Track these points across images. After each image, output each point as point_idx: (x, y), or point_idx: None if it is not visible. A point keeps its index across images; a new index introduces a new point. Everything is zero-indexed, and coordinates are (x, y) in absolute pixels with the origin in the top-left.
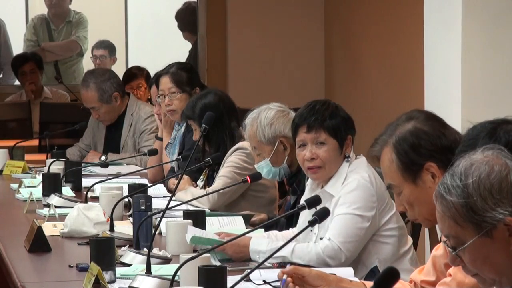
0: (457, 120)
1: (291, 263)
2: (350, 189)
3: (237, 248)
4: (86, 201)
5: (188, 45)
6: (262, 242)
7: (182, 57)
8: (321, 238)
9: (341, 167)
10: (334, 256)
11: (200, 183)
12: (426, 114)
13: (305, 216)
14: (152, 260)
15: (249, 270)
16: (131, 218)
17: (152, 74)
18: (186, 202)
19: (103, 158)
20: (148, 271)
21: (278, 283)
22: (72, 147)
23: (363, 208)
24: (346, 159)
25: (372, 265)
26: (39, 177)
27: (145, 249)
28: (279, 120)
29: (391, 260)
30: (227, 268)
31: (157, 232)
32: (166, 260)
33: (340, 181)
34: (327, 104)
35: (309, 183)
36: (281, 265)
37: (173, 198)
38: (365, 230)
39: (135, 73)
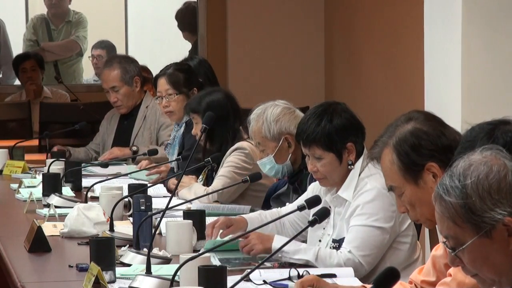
0: (457, 120)
1: (290, 264)
2: (370, 199)
3: (263, 236)
4: (86, 201)
5: (188, 45)
6: (284, 241)
7: (182, 57)
8: (333, 241)
9: (353, 171)
10: (355, 270)
11: (199, 182)
12: (425, 114)
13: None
14: (152, 260)
15: (249, 270)
16: (131, 218)
17: (153, 74)
18: (185, 202)
19: (134, 148)
20: (148, 271)
21: (278, 283)
22: (80, 148)
23: (383, 219)
24: (349, 166)
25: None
26: (39, 177)
27: (145, 249)
28: (285, 117)
29: (401, 266)
30: (227, 268)
31: (157, 232)
32: (166, 260)
33: (352, 185)
34: (323, 114)
35: (323, 187)
36: (282, 265)
37: (177, 195)
38: (385, 241)
39: (144, 77)
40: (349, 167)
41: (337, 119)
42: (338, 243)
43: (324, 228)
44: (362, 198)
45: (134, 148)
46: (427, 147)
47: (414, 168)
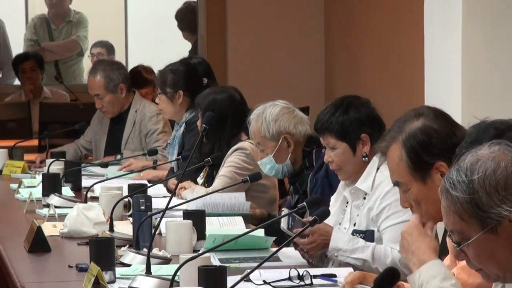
0: (458, 119)
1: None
2: (397, 197)
3: (323, 232)
4: (86, 201)
5: (188, 45)
6: (342, 237)
7: (182, 57)
8: (356, 232)
9: (370, 164)
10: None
11: (200, 180)
12: (435, 112)
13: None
14: (152, 260)
15: (249, 270)
16: (131, 218)
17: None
18: (186, 202)
19: (118, 157)
20: (148, 271)
21: (278, 283)
22: (69, 144)
23: None
24: (363, 158)
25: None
26: (39, 177)
27: (145, 249)
28: (284, 117)
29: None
30: (227, 268)
31: (157, 232)
32: (166, 260)
33: (370, 177)
34: (339, 105)
35: (342, 183)
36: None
37: (178, 196)
38: None
39: (145, 79)
40: (363, 159)
41: (352, 111)
42: (364, 234)
43: (340, 224)
44: (389, 198)
45: (118, 157)
46: (437, 146)
47: (423, 166)
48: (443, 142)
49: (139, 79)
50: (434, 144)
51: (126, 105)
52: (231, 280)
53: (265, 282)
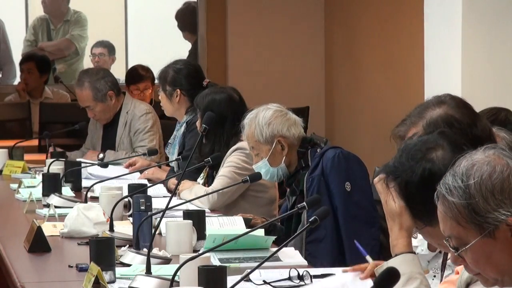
0: None
1: None
2: None
3: None
4: (86, 201)
5: (188, 45)
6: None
7: (182, 57)
8: None
9: None
10: None
11: (200, 180)
12: (457, 101)
13: None
14: (152, 260)
15: (249, 270)
16: (131, 218)
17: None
18: (186, 202)
19: (101, 156)
20: (148, 271)
21: (278, 283)
22: (76, 150)
23: None
24: None
25: None
26: (39, 177)
27: (145, 249)
28: (277, 120)
29: None
30: (227, 268)
31: (157, 232)
32: (166, 260)
33: None
34: None
35: None
36: None
37: (178, 196)
38: None
39: (142, 75)
40: None
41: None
42: None
43: None
44: None
45: (101, 156)
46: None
47: None
48: (463, 132)
49: (135, 75)
50: (454, 133)
51: (117, 108)
52: (231, 280)
53: (265, 282)
